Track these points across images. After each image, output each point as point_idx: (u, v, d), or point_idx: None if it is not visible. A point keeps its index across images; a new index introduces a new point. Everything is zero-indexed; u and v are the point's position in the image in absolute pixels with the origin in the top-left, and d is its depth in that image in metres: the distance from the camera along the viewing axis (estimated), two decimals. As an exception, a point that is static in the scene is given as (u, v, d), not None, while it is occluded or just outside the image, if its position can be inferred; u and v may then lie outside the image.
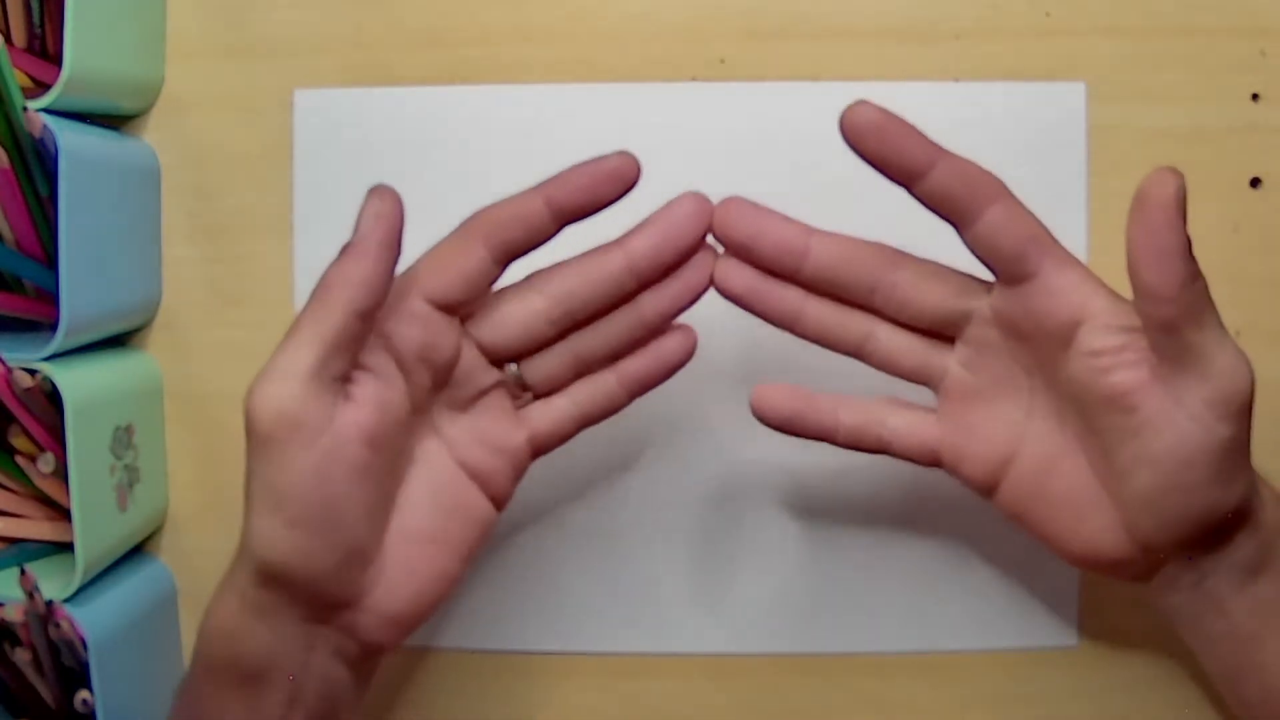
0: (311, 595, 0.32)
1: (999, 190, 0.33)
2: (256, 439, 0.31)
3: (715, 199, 0.35)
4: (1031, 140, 0.44)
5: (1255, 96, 0.44)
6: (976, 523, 0.45)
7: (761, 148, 0.44)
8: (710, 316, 0.39)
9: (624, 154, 0.33)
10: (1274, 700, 0.35)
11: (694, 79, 0.45)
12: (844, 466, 0.45)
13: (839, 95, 0.44)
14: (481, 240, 0.34)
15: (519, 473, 0.37)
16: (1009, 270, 0.33)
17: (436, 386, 0.35)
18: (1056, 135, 0.44)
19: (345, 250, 0.32)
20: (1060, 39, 0.44)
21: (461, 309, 0.35)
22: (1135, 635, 0.45)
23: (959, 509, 0.44)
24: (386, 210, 0.32)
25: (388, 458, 0.33)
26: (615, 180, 0.33)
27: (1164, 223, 0.30)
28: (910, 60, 0.44)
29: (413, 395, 0.34)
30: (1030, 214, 0.33)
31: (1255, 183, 0.44)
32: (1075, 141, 0.44)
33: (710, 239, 0.35)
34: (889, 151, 0.32)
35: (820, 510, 0.45)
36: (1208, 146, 0.44)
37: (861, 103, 0.32)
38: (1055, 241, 0.34)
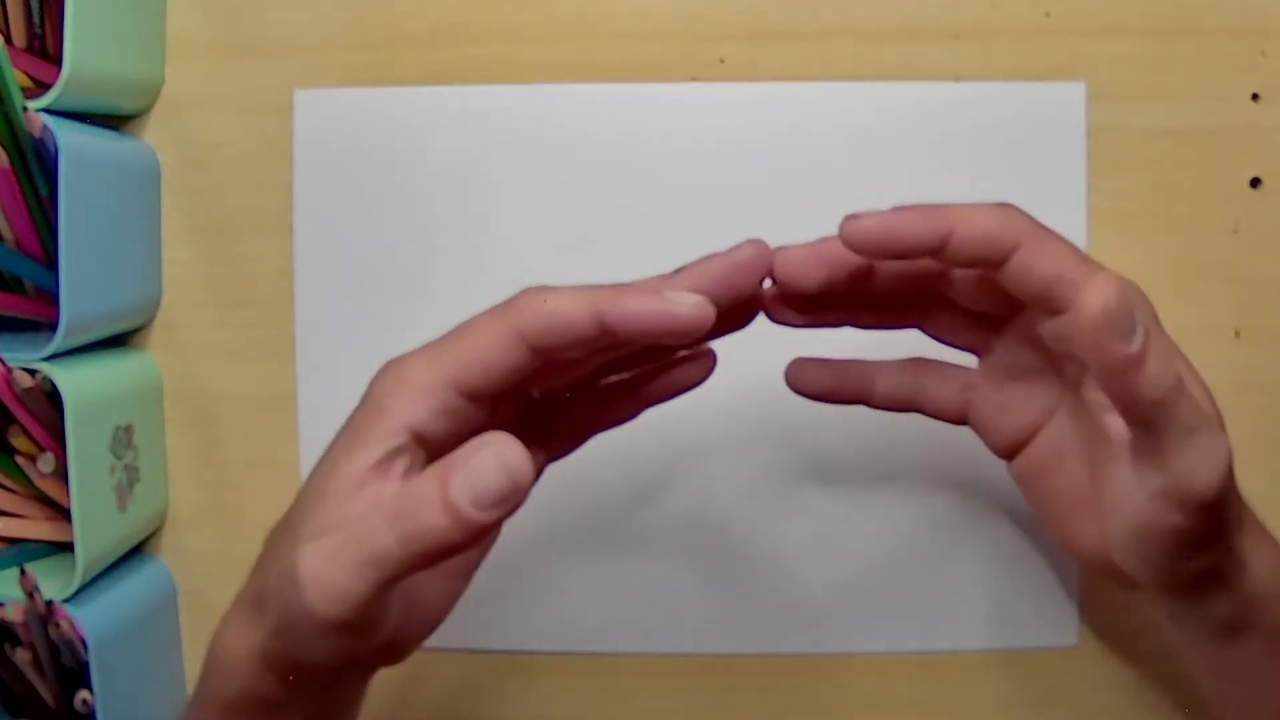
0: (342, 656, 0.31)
1: (1020, 235, 0.31)
2: (311, 622, 0.28)
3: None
4: (1031, 140, 0.44)
5: (1255, 96, 0.44)
6: (977, 523, 0.45)
7: (761, 148, 0.44)
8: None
9: (695, 309, 0.30)
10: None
11: (694, 79, 0.45)
12: (844, 467, 0.45)
13: (839, 95, 0.45)
14: (523, 338, 0.30)
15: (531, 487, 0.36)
16: (1039, 308, 0.32)
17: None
18: (1056, 135, 0.44)
19: (448, 503, 0.27)
20: (1060, 39, 0.44)
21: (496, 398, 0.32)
22: (1135, 635, 0.45)
23: (959, 509, 0.45)
24: (514, 502, 0.27)
25: None
26: (677, 334, 0.30)
27: (1106, 340, 0.29)
28: (910, 60, 0.44)
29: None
30: (1058, 247, 0.32)
31: (1255, 183, 0.44)
32: (1075, 141, 0.44)
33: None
34: (899, 247, 0.31)
35: (820, 510, 0.45)
36: (1208, 146, 0.44)
37: (851, 218, 0.32)
38: (1089, 269, 0.31)
